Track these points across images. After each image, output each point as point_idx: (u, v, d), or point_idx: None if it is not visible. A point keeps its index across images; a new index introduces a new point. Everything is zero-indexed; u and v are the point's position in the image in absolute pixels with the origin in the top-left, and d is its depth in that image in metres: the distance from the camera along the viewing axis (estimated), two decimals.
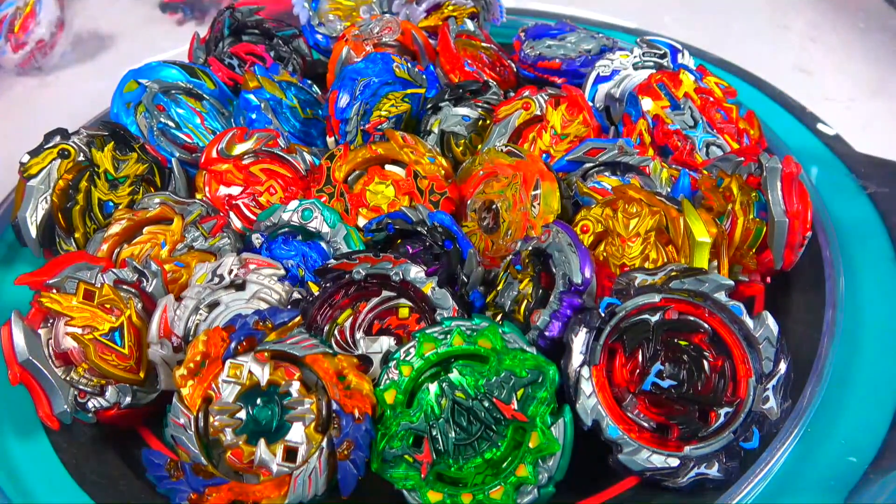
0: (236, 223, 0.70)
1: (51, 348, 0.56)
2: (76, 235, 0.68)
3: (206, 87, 0.80)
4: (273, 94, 0.77)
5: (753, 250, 0.62)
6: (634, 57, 0.79)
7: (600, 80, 0.78)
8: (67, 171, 0.67)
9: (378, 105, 0.76)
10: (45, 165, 0.67)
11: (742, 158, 0.64)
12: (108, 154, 0.69)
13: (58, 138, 0.68)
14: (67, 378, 0.55)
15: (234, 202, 0.71)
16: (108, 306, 0.57)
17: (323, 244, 0.64)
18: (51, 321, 0.56)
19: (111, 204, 0.69)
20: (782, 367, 0.50)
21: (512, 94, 0.78)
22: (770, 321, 0.50)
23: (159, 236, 0.65)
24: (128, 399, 0.56)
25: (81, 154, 0.68)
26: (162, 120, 0.77)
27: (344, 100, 0.74)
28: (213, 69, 0.83)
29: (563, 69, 0.82)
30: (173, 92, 0.79)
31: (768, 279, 0.63)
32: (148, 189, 0.71)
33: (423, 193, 0.68)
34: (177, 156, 0.76)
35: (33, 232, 0.66)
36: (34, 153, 0.68)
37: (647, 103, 0.72)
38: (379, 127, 0.75)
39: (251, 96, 0.77)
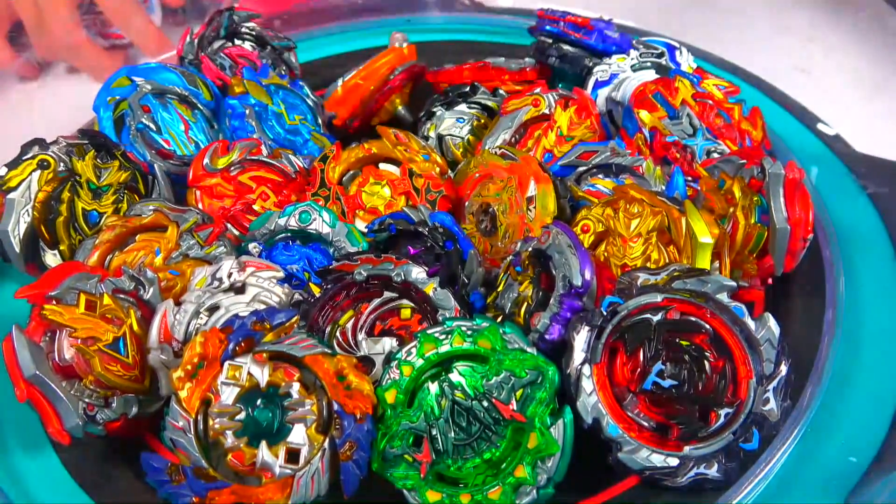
0: (234, 235, 0.68)
1: (50, 361, 0.54)
2: (61, 248, 0.65)
3: (202, 96, 0.78)
4: (259, 100, 0.76)
5: (754, 255, 0.62)
6: (632, 59, 0.79)
7: (599, 84, 0.78)
8: (48, 182, 0.65)
9: None
10: (24, 178, 0.64)
11: (744, 161, 0.64)
12: (89, 163, 0.67)
13: (36, 148, 0.66)
14: (73, 391, 0.54)
15: (228, 214, 0.70)
16: (109, 316, 0.56)
17: (325, 245, 0.64)
18: (49, 334, 0.55)
19: (95, 214, 0.67)
20: (783, 369, 0.50)
21: (502, 91, 0.78)
22: (771, 323, 0.50)
23: (153, 244, 0.64)
24: (134, 409, 0.55)
25: (62, 164, 0.66)
26: (143, 121, 0.75)
27: None
28: (203, 67, 0.81)
29: (594, 27, 0.80)
30: (167, 96, 0.76)
31: (769, 281, 0.63)
32: (132, 197, 0.69)
33: (419, 192, 0.68)
34: (149, 158, 0.73)
35: (17, 247, 0.64)
36: (12, 165, 0.65)
37: (643, 116, 0.71)
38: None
39: (236, 102, 0.75)
